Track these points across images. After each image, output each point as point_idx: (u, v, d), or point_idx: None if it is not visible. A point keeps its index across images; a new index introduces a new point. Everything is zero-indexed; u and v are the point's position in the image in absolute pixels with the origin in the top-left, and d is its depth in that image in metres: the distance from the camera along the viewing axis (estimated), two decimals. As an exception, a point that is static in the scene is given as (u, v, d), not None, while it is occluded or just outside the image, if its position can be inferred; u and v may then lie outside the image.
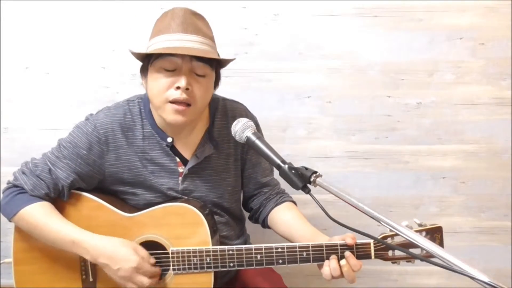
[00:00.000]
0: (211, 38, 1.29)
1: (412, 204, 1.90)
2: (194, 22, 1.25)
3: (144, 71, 1.30)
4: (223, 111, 1.41)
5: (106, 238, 1.26)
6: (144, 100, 1.38)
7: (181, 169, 1.37)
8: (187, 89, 1.22)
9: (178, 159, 1.36)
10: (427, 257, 0.89)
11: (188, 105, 1.24)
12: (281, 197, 1.47)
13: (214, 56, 1.26)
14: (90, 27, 1.79)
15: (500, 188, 1.88)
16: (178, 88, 1.22)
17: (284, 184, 1.14)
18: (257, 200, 1.48)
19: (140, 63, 1.33)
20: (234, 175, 1.43)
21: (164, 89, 1.23)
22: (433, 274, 1.95)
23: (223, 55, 1.33)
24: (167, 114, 1.25)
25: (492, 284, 0.75)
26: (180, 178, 1.37)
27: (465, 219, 1.91)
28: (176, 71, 1.23)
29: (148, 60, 1.27)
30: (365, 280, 1.95)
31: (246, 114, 1.45)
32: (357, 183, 1.87)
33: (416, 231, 1.18)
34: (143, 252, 1.27)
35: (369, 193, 1.88)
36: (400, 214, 1.89)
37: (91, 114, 1.38)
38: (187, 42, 1.22)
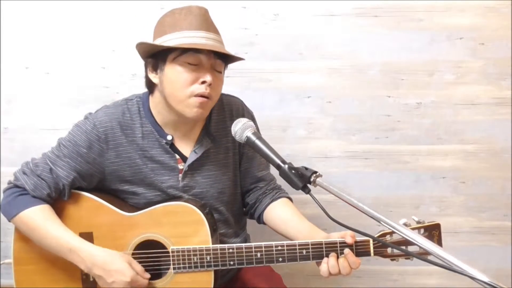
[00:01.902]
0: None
1: (412, 204, 1.90)
2: (212, 22, 1.31)
3: (156, 65, 1.30)
4: (220, 106, 1.43)
5: (103, 250, 1.27)
6: (143, 99, 1.38)
7: (181, 166, 1.37)
8: (209, 84, 1.25)
9: (177, 156, 1.37)
10: (424, 254, 0.90)
11: (208, 98, 1.28)
12: (277, 192, 1.47)
13: (233, 54, 1.30)
14: (90, 27, 1.79)
15: (500, 188, 1.88)
16: (203, 82, 1.25)
17: (284, 184, 1.14)
18: (253, 195, 1.48)
19: (140, 60, 1.34)
20: (233, 169, 1.44)
21: (188, 84, 1.26)
22: (433, 274, 1.95)
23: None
24: (190, 108, 1.27)
25: (492, 284, 0.75)
26: (180, 175, 1.37)
27: (465, 219, 1.91)
28: (199, 66, 1.26)
29: (165, 55, 1.27)
30: (365, 280, 1.95)
31: (243, 108, 1.46)
32: (357, 183, 1.87)
33: (414, 228, 1.18)
34: (138, 267, 1.28)
35: (369, 193, 1.88)
36: (400, 214, 1.88)
37: (90, 113, 1.38)
38: (212, 41, 1.26)
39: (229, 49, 1.31)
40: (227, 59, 1.33)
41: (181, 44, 1.24)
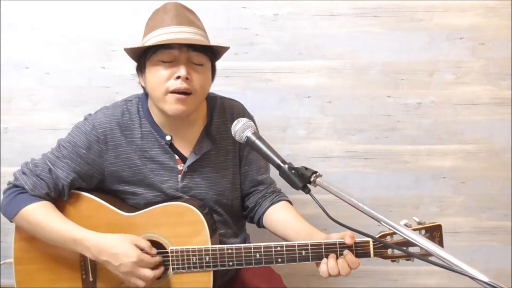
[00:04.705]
0: (204, 30, 1.32)
1: (412, 204, 1.90)
2: (187, 15, 1.29)
3: (141, 68, 1.32)
4: (221, 109, 1.42)
5: (106, 235, 1.27)
6: (142, 99, 1.38)
7: (180, 166, 1.37)
8: (186, 78, 1.24)
9: (177, 157, 1.37)
10: (425, 256, 0.90)
11: (188, 94, 1.26)
12: (277, 196, 1.47)
13: (209, 43, 1.29)
14: (90, 27, 1.79)
15: (500, 188, 1.88)
16: (178, 77, 1.24)
17: (284, 184, 1.14)
18: (253, 198, 1.48)
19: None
20: (233, 172, 1.44)
21: (164, 80, 1.25)
22: (433, 274, 1.95)
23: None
24: (169, 105, 1.27)
25: (492, 284, 0.75)
26: (180, 175, 1.37)
27: (465, 219, 1.91)
28: (174, 62, 1.26)
29: (145, 57, 1.28)
30: (365, 280, 1.95)
31: (244, 112, 1.46)
32: (357, 183, 1.87)
33: (415, 229, 1.18)
34: (144, 243, 1.27)
35: (369, 193, 1.88)
36: (400, 214, 1.89)
37: (90, 114, 1.39)
38: (182, 34, 1.25)
39: (229, 49, 1.30)
40: (211, 51, 1.31)
41: (151, 43, 1.24)
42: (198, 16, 1.33)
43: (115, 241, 1.26)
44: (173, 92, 1.25)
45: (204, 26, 1.33)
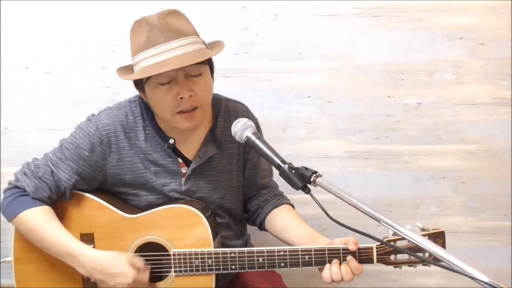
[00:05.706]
0: (194, 33, 1.25)
1: (412, 204, 1.90)
2: (172, 26, 1.20)
3: (138, 86, 1.30)
4: (226, 111, 1.41)
5: (102, 253, 1.26)
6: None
7: (183, 170, 1.36)
8: (190, 96, 1.22)
9: (180, 160, 1.36)
10: (430, 259, 0.89)
11: (195, 108, 1.25)
12: (279, 199, 1.46)
13: (203, 57, 1.21)
14: (90, 27, 1.79)
15: (500, 188, 1.88)
16: (181, 98, 1.22)
17: (284, 184, 1.14)
18: (255, 201, 1.48)
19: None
20: (237, 175, 1.43)
21: (168, 103, 1.23)
22: (433, 274, 1.95)
23: (222, 53, 1.30)
24: (180, 124, 1.26)
25: (492, 284, 0.75)
26: (183, 179, 1.36)
27: (465, 219, 1.91)
28: (172, 81, 1.22)
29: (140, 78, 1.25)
30: (365, 280, 1.95)
31: (248, 114, 1.45)
32: (357, 183, 1.87)
33: (418, 236, 1.17)
34: (140, 262, 1.26)
35: (369, 193, 1.87)
36: (400, 214, 1.89)
37: (93, 115, 1.37)
38: (173, 52, 1.19)
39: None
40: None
41: (143, 72, 1.19)
42: (183, 15, 1.26)
43: (111, 260, 1.24)
44: (180, 112, 1.24)
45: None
